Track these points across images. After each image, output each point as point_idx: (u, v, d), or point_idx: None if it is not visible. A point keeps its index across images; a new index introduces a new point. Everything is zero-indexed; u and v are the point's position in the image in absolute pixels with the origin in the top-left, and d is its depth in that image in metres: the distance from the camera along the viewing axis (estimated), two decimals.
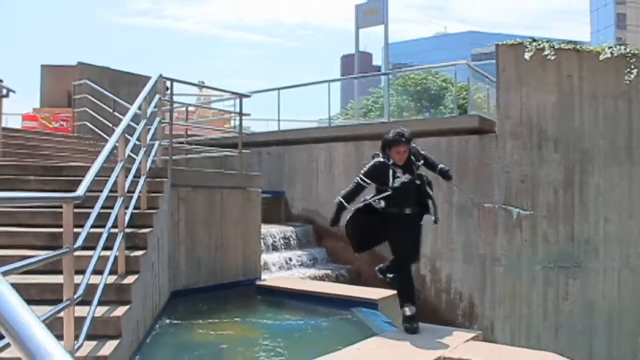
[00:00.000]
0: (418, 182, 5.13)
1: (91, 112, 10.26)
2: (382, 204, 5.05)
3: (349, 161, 10.29)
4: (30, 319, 1.04)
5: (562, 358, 4.21)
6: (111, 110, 9.60)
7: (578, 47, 9.57)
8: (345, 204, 5.12)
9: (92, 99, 10.19)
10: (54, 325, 3.08)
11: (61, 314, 3.33)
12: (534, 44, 9.14)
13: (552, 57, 9.03)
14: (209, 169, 8.79)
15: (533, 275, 9.00)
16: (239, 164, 7.84)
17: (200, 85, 9.06)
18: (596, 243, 9.24)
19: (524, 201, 9.00)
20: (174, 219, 6.66)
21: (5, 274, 1.53)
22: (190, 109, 10.81)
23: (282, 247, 9.82)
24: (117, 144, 4.57)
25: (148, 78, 6.50)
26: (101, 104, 10.01)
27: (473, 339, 4.73)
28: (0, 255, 4.43)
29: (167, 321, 5.60)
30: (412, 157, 5.15)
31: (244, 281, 7.41)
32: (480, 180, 9.14)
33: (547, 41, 9.41)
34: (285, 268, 9.32)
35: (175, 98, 7.34)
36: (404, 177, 5.03)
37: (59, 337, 3.07)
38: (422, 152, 5.39)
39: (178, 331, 5.40)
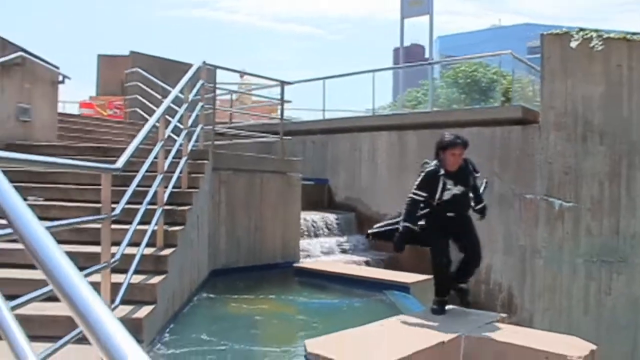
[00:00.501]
0: (471, 194, 5.01)
1: (141, 99, 10.69)
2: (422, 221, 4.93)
3: (392, 150, 10.38)
4: (108, 318, 1.06)
5: (584, 341, 4.25)
6: (160, 97, 9.98)
7: (628, 36, 9.33)
8: (412, 227, 4.90)
9: (142, 86, 10.61)
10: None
11: (99, 279, 3.60)
12: (581, 33, 9.00)
13: (600, 47, 8.86)
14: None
15: (574, 268, 8.89)
16: (274, 149, 8.06)
17: (242, 72, 9.33)
18: None
19: (566, 193, 8.90)
20: (215, 200, 6.93)
21: (53, 230, 1.71)
22: (234, 97, 11.09)
23: (324, 233, 10.01)
24: (157, 125, 4.85)
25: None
26: (151, 91, 10.41)
27: (497, 321, 4.80)
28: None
29: (205, 295, 5.88)
30: (469, 164, 5.00)
31: (282, 263, 7.64)
32: (522, 170, 9.09)
33: (595, 31, 9.22)
34: (326, 254, 9.50)
35: (218, 86, 7.59)
36: (456, 189, 4.86)
37: None
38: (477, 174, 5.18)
39: (215, 304, 5.67)
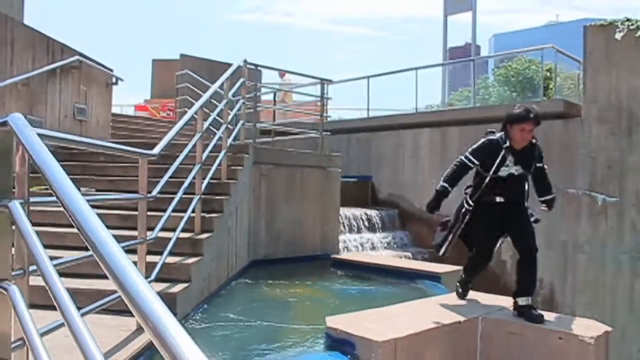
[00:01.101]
0: (529, 176, 4.50)
1: (191, 99, 11.20)
2: (470, 199, 4.53)
3: (434, 147, 10.53)
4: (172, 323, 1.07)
5: (601, 324, 4.36)
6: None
7: None
8: (449, 188, 4.48)
9: (191, 87, 11.14)
10: None
11: (135, 259, 3.97)
12: (627, 23, 8.91)
13: None
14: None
15: (619, 264, 8.81)
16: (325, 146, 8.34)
17: (283, 71, 9.68)
18: None
19: (610, 188, 8.83)
20: (256, 193, 7.28)
21: (98, 203, 2.00)
22: (278, 96, 11.47)
23: (366, 229, 10.24)
24: (195, 117, 5.23)
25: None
26: (199, 92, 10.91)
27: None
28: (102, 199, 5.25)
29: (243, 281, 6.25)
30: (536, 149, 4.50)
31: (321, 255, 7.91)
32: (564, 165, 9.08)
33: None
34: (368, 249, 9.74)
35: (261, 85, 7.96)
36: (514, 169, 4.37)
37: None
38: (544, 164, 4.70)
39: (251, 289, 6.02)
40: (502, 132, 4.41)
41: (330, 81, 8.28)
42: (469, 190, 4.64)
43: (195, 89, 11.04)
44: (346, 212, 9.95)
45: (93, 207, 1.67)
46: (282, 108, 10.45)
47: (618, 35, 8.79)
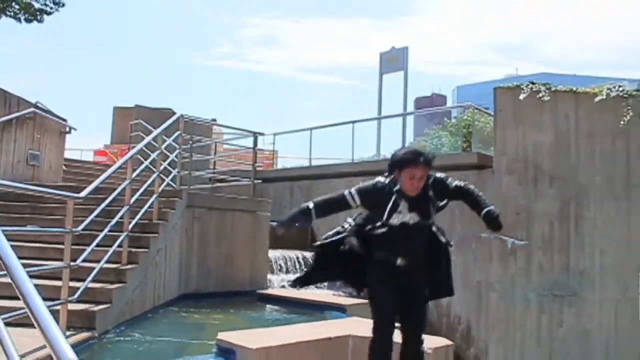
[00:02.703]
0: (430, 227, 4.08)
1: (143, 148, 12.31)
2: (358, 245, 4.08)
3: None
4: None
5: (448, 341, 5.47)
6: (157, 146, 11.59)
7: (575, 89, 10.62)
8: (313, 211, 3.98)
9: (143, 136, 12.25)
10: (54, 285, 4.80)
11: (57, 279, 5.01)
12: (530, 86, 10.32)
13: (546, 98, 10.16)
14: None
15: (527, 302, 9.95)
16: (266, 193, 9.49)
17: (213, 123, 10.91)
18: (592, 274, 10.06)
19: (518, 232, 10.04)
20: (189, 233, 8.37)
21: (35, 238, 3.00)
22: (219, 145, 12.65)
23: (302, 269, 11.31)
24: (124, 166, 6.36)
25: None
26: (152, 142, 12.04)
27: None
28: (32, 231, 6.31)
29: (170, 309, 7.28)
30: (431, 192, 3.93)
31: (250, 291, 8.96)
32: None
33: (545, 84, 10.54)
34: (312, 287, 10.78)
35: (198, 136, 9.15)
36: (409, 216, 3.82)
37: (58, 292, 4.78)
38: (459, 183, 4.22)
39: (176, 315, 7.06)
40: (390, 176, 3.89)
41: (261, 134, 9.50)
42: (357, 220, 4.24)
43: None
44: (286, 254, 11.07)
45: (24, 241, 2.78)
46: (215, 158, 11.62)
47: (521, 97, 10.17)
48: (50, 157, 9.83)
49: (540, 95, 10.21)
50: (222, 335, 5.06)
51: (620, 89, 10.57)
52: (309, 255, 11.58)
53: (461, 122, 22.15)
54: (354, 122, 12.40)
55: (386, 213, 3.82)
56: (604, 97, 10.30)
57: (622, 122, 10.17)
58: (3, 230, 2.60)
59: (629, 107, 10.27)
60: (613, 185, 10.24)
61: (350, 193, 4.05)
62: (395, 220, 3.83)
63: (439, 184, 4.03)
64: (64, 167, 10.39)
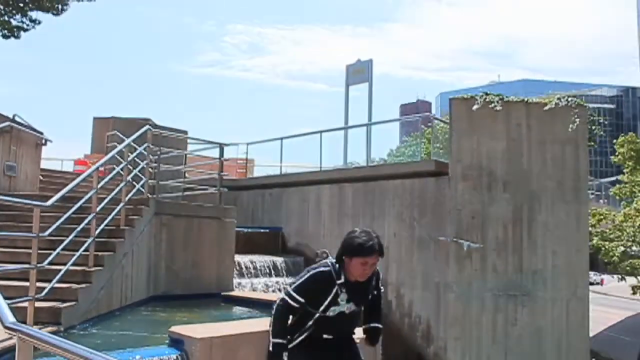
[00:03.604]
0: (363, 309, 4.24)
1: (118, 158, 13.03)
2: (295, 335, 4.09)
3: (333, 201, 12.49)
4: None
5: None
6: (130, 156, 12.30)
7: (526, 99, 11.43)
8: (282, 342, 3.99)
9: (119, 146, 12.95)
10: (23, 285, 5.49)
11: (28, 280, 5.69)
12: (484, 97, 11.11)
13: (499, 108, 10.95)
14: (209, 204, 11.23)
15: (483, 301, 10.70)
16: (239, 201, 10.18)
17: (182, 136, 11.62)
18: (544, 274, 10.84)
19: (474, 235, 10.80)
20: (157, 239, 9.04)
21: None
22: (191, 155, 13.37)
23: (271, 274, 12.02)
24: (91, 176, 7.05)
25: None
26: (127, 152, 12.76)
27: None
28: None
29: (137, 309, 7.93)
30: (374, 281, 4.16)
31: (217, 293, 9.62)
32: (435, 216, 11.05)
33: (498, 95, 11.34)
34: (270, 291, 11.49)
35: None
36: (346, 307, 3.98)
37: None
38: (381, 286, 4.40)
39: (142, 314, 7.70)
40: (336, 264, 3.96)
41: (226, 144, 10.20)
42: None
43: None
44: (254, 258, 11.79)
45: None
46: (183, 168, 12.33)
47: (475, 107, 10.95)
48: (27, 168, 10.50)
49: (493, 105, 11.00)
50: (174, 328, 5.74)
51: (569, 99, 11.40)
52: (279, 260, 12.33)
53: (439, 130, 22.99)
54: (321, 132, 13.16)
55: (324, 305, 3.92)
56: (553, 106, 11.12)
57: (570, 128, 10.99)
58: None
59: (576, 116, 11.09)
60: (563, 190, 11.04)
61: (290, 296, 3.98)
62: (332, 312, 3.95)
63: (377, 276, 4.21)
64: (40, 177, 11.05)
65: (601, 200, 24.56)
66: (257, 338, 5.85)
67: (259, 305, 8.73)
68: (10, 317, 2.41)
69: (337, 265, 3.94)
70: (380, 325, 4.39)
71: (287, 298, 3.99)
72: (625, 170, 21.67)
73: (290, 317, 4.15)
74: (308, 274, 3.99)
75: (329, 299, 3.89)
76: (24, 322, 4.70)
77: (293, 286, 4.00)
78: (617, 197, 21.91)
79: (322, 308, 3.91)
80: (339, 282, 3.90)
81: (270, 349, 3.97)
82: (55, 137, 12.08)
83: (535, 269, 10.83)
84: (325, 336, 4.04)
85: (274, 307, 4.06)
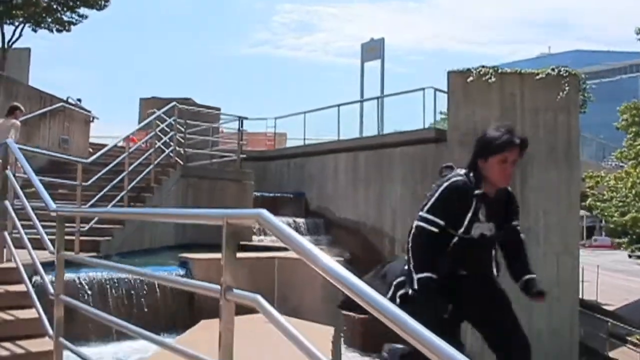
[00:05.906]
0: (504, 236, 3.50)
1: (159, 133, 15.38)
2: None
3: (348, 167, 14.45)
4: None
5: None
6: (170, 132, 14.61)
7: (520, 70, 13.00)
8: (431, 275, 3.19)
9: (159, 123, 15.28)
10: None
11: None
12: (479, 70, 12.75)
13: (492, 80, 12.58)
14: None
15: None
16: (268, 170, 12.28)
17: (204, 106, 13.78)
18: (537, 231, 12.45)
19: None
20: (184, 197, 11.25)
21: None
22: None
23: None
24: (122, 143, 9.29)
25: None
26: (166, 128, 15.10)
27: None
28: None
29: (164, 249, 10.14)
30: (513, 198, 3.57)
31: None
32: (435, 179, 12.80)
33: (493, 67, 12.95)
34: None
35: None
36: (487, 227, 3.34)
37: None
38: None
39: (166, 251, 9.90)
40: (469, 170, 3.42)
41: (246, 118, 12.30)
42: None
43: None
44: (279, 219, 13.88)
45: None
46: (209, 139, 14.54)
47: (469, 79, 12.59)
48: (78, 140, 12.91)
49: (487, 77, 12.64)
50: (183, 254, 7.93)
51: (562, 68, 12.89)
52: (301, 221, 14.39)
53: None
54: (339, 105, 15.09)
55: (466, 222, 3.27)
56: (544, 76, 12.65)
57: (559, 96, 12.52)
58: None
59: (567, 84, 12.60)
60: (555, 154, 12.58)
61: (427, 220, 3.29)
62: (475, 231, 3.29)
63: (514, 199, 3.59)
64: (90, 150, 13.48)
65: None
66: (248, 264, 7.95)
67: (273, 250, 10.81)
68: (52, 205, 4.51)
69: (470, 174, 3.36)
70: (534, 275, 3.62)
71: (422, 224, 3.29)
72: (628, 136, 22.97)
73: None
74: (441, 188, 3.36)
75: (469, 214, 3.25)
76: (72, 251, 6.91)
77: (426, 208, 3.32)
78: (620, 161, 23.19)
79: (464, 226, 3.25)
80: (476, 192, 3.29)
81: (415, 286, 3.19)
82: (113, 118, 14.49)
83: (528, 226, 12.38)
84: (462, 272, 3.33)
85: (409, 239, 3.34)
